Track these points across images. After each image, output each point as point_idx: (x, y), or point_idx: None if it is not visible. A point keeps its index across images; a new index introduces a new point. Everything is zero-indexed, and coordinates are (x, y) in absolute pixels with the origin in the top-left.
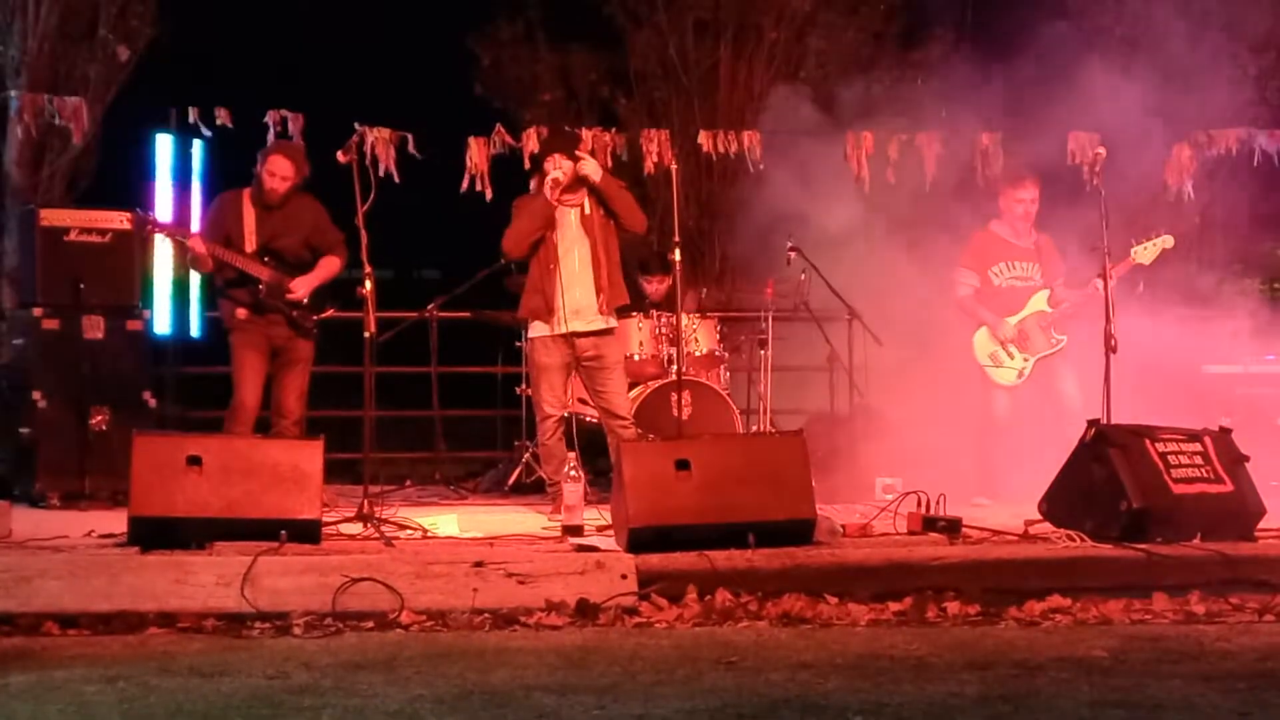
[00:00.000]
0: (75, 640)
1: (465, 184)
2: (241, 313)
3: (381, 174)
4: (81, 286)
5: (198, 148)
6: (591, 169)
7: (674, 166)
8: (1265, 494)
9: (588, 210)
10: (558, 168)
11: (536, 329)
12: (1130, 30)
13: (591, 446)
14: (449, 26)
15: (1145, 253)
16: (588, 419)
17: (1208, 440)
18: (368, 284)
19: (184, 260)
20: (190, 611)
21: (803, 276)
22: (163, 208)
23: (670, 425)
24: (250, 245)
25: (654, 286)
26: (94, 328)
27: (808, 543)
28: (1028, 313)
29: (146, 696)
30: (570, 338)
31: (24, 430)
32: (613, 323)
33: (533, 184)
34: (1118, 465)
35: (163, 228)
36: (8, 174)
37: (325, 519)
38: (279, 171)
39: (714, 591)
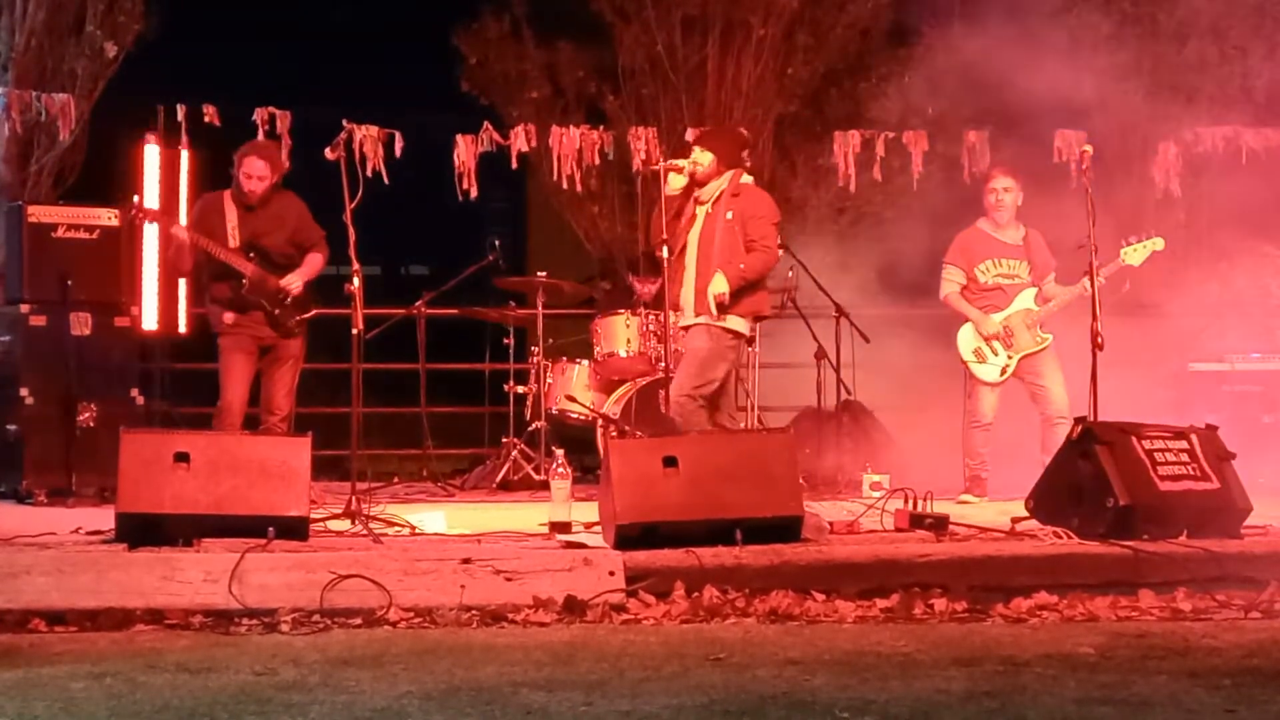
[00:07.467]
0: (62, 637)
1: (453, 181)
2: (229, 317)
3: (370, 173)
4: (69, 283)
5: (184, 158)
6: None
7: (661, 163)
8: (1251, 491)
9: (707, 214)
10: (692, 162)
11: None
12: (1118, 29)
13: (578, 444)
14: (435, 23)
15: (1135, 254)
16: (572, 416)
17: (1194, 438)
18: (355, 281)
19: (169, 256)
20: (177, 608)
21: (789, 274)
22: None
23: (658, 422)
24: (234, 243)
25: (646, 287)
26: (81, 324)
27: (795, 540)
28: (1013, 310)
29: (134, 693)
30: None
31: (11, 427)
32: (703, 319)
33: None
34: (1104, 462)
35: (151, 214)
36: None
37: (313, 516)
38: (255, 173)
39: (701, 588)
